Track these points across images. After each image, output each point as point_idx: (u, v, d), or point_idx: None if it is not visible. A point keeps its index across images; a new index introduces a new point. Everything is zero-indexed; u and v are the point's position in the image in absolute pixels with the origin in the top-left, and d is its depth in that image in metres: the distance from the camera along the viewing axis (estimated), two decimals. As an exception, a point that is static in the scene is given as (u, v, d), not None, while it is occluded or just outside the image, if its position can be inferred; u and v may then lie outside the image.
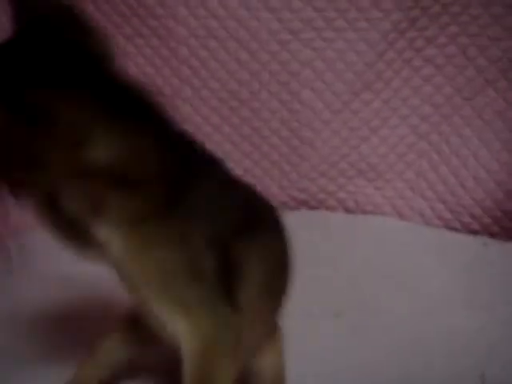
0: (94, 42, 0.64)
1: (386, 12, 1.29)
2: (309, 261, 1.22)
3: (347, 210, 1.46)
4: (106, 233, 0.64)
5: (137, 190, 0.63)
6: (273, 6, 1.29)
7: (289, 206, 1.46)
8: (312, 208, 1.46)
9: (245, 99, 1.36)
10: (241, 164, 1.42)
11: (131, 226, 0.63)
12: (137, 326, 0.78)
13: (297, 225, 1.35)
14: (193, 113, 1.38)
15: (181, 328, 0.64)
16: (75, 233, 0.65)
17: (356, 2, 1.28)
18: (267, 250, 0.72)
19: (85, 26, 0.64)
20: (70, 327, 0.98)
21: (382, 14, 1.29)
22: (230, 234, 0.67)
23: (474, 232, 1.38)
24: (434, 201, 1.41)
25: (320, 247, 1.31)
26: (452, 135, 1.38)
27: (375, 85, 1.35)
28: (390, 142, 1.40)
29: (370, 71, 1.34)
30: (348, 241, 1.35)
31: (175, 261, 0.63)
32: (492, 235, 1.36)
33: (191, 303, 0.63)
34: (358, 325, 1.06)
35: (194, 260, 0.63)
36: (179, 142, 0.69)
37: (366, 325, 1.06)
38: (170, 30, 1.32)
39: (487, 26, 1.29)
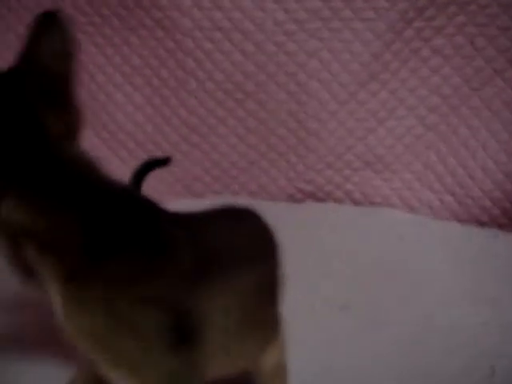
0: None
1: (393, 1, 1.27)
2: (316, 253, 1.23)
3: (355, 202, 1.45)
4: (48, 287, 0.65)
5: (57, 256, 0.63)
6: (279, -4, 1.28)
7: (296, 198, 1.45)
8: (319, 200, 1.45)
9: (250, 91, 1.35)
10: (247, 156, 1.41)
11: (62, 285, 0.63)
12: None
13: (304, 217, 1.39)
14: (198, 105, 1.37)
15: None
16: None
17: (363, -10, 1.27)
18: (231, 287, 0.69)
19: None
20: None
21: (389, 4, 1.28)
22: (175, 286, 0.65)
23: (483, 224, 1.37)
24: (443, 192, 1.40)
25: (327, 239, 1.30)
26: (460, 126, 1.36)
27: (382, 75, 1.34)
28: (397, 133, 1.39)
29: (376, 62, 1.32)
30: (355, 233, 1.33)
31: (102, 326, 0.62)
32: (501, 227, 1.35)
33: (138, 369, 0.63)
34: (365, 318, 1.05)
35: (122, 325, 0.62)
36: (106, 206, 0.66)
37: (372, 318, 1.05)
38: (174, 22, 1.31)
39: (495, 16, 1.27)
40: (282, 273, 0.79)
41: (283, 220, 1.28)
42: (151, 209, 0.70)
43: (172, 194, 1.39)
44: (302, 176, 1.43)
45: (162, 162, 1.05)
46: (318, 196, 1.45)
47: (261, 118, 1.38)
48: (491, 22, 1.28)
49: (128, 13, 1.31)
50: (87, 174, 0.66)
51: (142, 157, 1.21)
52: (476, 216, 1.38)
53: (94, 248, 0.63)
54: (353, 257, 1.23)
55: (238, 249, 0.73)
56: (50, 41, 0.66)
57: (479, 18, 1.28)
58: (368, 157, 1.41)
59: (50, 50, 0.66)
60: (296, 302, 1.01)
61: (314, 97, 1.35)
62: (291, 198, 1.45)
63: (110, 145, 1.39)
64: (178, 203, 1.30)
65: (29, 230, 0.63)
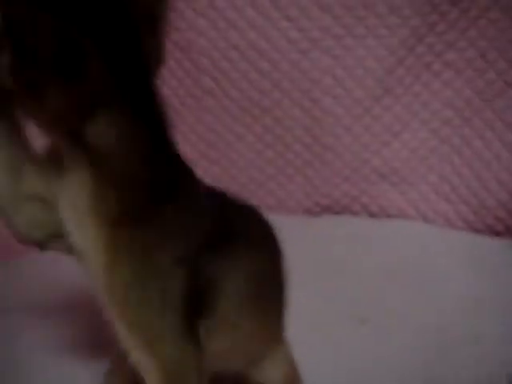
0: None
1: (405, 18, 1.30)
2: (334, 266, 1.25)
3: (371, 215, 1.47)
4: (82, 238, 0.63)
5: (121, 189, 0.61)
6: (291, 15, 1.31)
7: (313, 211, 1.47)
8: (336, 213, 1.47)
9: (266, 108, 1.38)
10: (264, 171, 1.44)
11: (110, 228, 0.61)
12: None
13: (321, 230, 1.41)
14: (215, 122, 1.40)
15: (144, 361, 0.63)
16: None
17: (374, 8, 1.30)
18: (248, 266, 0.70)
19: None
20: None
21: (401, 20, 1.30)
22: (202, 251, 0.65)
23: (499, 234, 1.38)
24: (458, 203, 1.42)
25: (344, 252, 1.32)
26: (473, 138, 1.38)
27: (396, 90, 1.36)
28: (411, 146, 1.41)
29: (390, 77, 1.35)
30: (373, 245, 1.35)
31: (141, 276, 0.61)
32: (516, 237, 1.37)
33: (154, 339, 0.62)
34: (382, 329, 1.07)
35: (159, 281, 0.62)
36: (169, 153, 0.66)
37: (390, 329, 1.07)
38: (191, 42, 1.34)
39: (506, 29, 1.30)
40: (287, 280, 0.79)
41: (300, 233, 1.32)
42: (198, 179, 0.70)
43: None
44: (318, 190, 1.45)
45: None
46: (334, 209, 1.48)
47: (277, 133, 1.41)
48: (502, 35, 1.30)
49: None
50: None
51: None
52: (491, 226, 1.40)
53: (156, 196, 0.62)
54: (371, 269, 1.25)
55: (254, 238, 0.74)
56: None
57: (490, 32, 1.31)
58: (384, 170, 1.43)
59: None
60: (316, 316, 1.04)
61: (329, 112, 1.38)
62: (308, 212, 1.47)
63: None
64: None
65: (104, 156, 0.60)
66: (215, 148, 1.42)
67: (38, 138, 0.65)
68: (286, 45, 1.33)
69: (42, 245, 0.69)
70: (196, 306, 0.64)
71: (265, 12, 1.31)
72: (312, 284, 1.14)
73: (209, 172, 1.43)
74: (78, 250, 0.64)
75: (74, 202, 0.62)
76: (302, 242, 1.25)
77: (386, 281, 1.21)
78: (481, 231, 1.40)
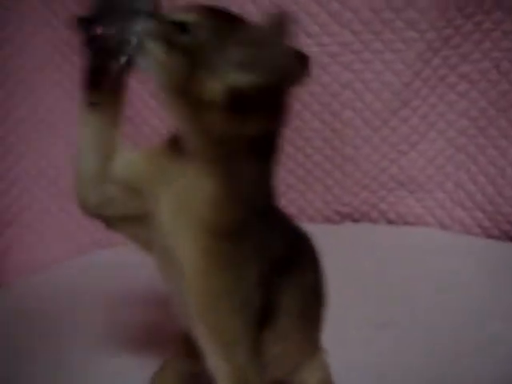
0: None
1: (421, 32, 1.35)
2: (353, 273, 1.30)
3: (389, 222, 1.52)
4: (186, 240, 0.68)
5: (236, 203, 0.68)
6: (312, 32, 1.36)
7: (333, 219, 1.52)
8: (355, 221, 1.52)
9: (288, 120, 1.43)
10: (285, 181, 1.49)
11: (210, 236, 0.67)
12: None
13: (341, 237, 1.45)
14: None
15: (219, 365, 0.69)
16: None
17: (391, 23, 1.35)
18: (302, 282, 0.77)
19: None
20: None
21: (417, 35, 1.35)
22: (273, 270, 0.71)
23: (514, 239, 1.43)
24: (474, 210, 1.47)
25: (364, 259, 1.36)
26: (488, 146, 1.43)
27: (412, 102, 1.41)
28: (428, 155, 1.46)
29: (406, 89, 1.40)
30: (392, 252, 1.40)
31: (231, 287, 0.68)
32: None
33: (232, 345, 0.68)
34: (402, 336, 1.11)
35: (245, 294, 0.68)
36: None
37: (410, 335, 1.11)
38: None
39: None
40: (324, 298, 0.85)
41: (321, 241, 1.37)
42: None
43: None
44: (338, 198, 1.50)
45: None
46: (354, 217, 1.53)
47: (298, 145, 1.46)
48: (515, 47, 1.35)
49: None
50: None
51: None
52: (506, 232, 1.44)
53: (255, 214, 0.69)
54: (389, 275, 1.29)
55: (306, 252, 0.81)
56: None
57: (504, 44, 1.35)
58: (401, 178, 1.48)
59: None
60: (337, 321, 1.08)
61: (349, 124, 1.43)
62: (328, 220, 1.52)
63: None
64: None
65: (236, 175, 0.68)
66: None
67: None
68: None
69: (109, 223, 0.75)
70: (262, 320, 0.70)
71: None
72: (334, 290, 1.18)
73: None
74: (170, 249, 0.69)
75: (185, 204, 0.68)
76: (322, 250, 1.29)
77: (404, 286, 1.25)
78: (496, 237, 1.44)
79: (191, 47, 0.66)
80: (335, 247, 1.38)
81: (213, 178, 0.67)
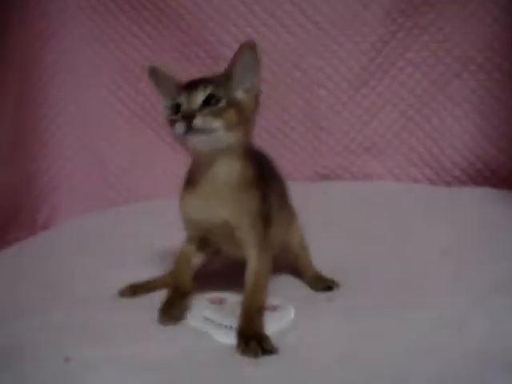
0: None
1: (373, 28, 1.80)
2: (332, 220, 1.63)
3: (358, 180, 1.93)
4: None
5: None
6: (293, 30, 1.81)
7: (314, 179, 1.93)
8: (331, 179, 1.93)
9: (276, 99, 1.87)
10: (276, 149, 1.89)
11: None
12: (205, 242, 1.20)
13: (321, 193, 1.84)
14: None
15: (251, 251, 1.11)
16: None
17: (351, 22, 1.80)
18: (277, 189, 1.22)
19: None
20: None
21: (371, 30, 1.80)
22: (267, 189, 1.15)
23: (450, 184, 1.84)
24: (424, 167, 1.87)
25: (340, 208, 1.72)
26: (432, 116, 1.85)
27: (370, 82, 1.85)
28: (386, 125, 1.88)
29: (365, 72, 1.84)
30: (358, 202, 1.77)
31: (262, 214, 1.12)
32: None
33: (259, 245, 1.11)
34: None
35: (267, 214, 1.13)
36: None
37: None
38: (216, 49, 1.84)
39: (451, 34, 1.78)
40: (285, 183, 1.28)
41: (305, 196, 1.71)
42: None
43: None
44: (317, 162, 1.92)
45: None
46: (330, 177, 1.93)
47: (284, 119, 1.89)
48: (448, 39, 1.78)
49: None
50: None
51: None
52: (449, 183, 1.85)
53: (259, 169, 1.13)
54: (359, 218, 1.64)
55: (272, 170, 1.25)
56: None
57: (439, 36, 1.79)
58: (367, 144, 1.90)
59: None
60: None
61: (324, 101, 1.87)
62: (310, 179, 1.93)
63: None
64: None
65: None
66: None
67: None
68: (288, 50, 1.83)
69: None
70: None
71: (273, 29, 1.82)
72: (313, 232, 1.39)
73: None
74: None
75: (227, 183, 1.10)
76: (306, 202, 1.61)
77: (370, 225, 1.59)
78: (439, 185, 1.85)
79: (227, 107, 1.05)
80: (315, 201, 1.78)
81: (240, 161, 1.09)
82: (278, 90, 1.86)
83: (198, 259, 1.20)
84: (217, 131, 1.03)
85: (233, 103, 1.05)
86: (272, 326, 1.07)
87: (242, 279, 1.11)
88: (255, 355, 0.98)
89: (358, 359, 0.96)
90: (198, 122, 1.02)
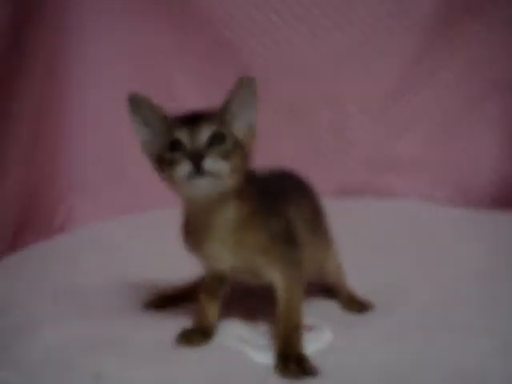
0: None
1: (407, 45, 1.78)
2: (356, 236, 1.57)
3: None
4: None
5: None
6: (324, 38, 1.80)
7: (337, 195, 1.90)
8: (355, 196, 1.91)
9: (304, 109, 1.86)
10: (299, 161, 1.82)
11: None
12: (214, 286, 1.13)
13: (345, 210, 1.81)
14: (264, 120, 1.84)
15: (276, 277, 1.04)
16: None
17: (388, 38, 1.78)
18: (302, 208, 1.14)
19: None
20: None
21: (406, 45, 1.78)
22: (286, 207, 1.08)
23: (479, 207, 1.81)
24: (449, 188, 1.86)
25: (362, 227, 1.69)
26: (461, 136, 1.84)
27: (401, 99, 1.85)
28: (414, 143, 1.87)
29: (398, 87, 1.83)
30: (385, 220, 1.74)
31: (277, 232, 1.03)
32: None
33: (283, 264, 1.04)
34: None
35: (285, 231, 1.05)
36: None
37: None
38: (249, 60, 1.81)
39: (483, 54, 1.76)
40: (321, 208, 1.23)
41: (329, 212, 1.70)
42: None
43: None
44: (340, 177, 1.90)
45: None
46: (353, 193, 1.91)
47: (311, 130, 1.87)
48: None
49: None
50: None
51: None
52: (474, 204, 1.82)
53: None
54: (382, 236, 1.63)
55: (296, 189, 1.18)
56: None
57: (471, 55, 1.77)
58: (392, 161, 1.88)
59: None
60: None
61: (352, 115, 1.85)
62: (333, 196, 1.87)
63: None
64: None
65: None
66: (264, 140, 1.86)
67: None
68: (318, 60, 1.81)
69: None
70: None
71: (304, 36, 1.80)
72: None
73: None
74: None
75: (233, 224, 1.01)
76: (330, 219, 1.56)
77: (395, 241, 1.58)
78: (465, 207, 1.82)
79: (233, 148, 0.95)
80: (340, 217, 1.74)
81: (236, 200, 1.00)
82: (307, 101, 1.83)
83: (221, 293, 1.13)
84: (224, 174, 0.94)
85: (237, 143, 0.96)
86: (310, 346, 1.03)
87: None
88: (295, 376, 0.94)
89: (405, 381, 0.93)
90: (209, 163, 0.92)
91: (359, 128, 1.86)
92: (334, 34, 1.80)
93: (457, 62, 1.78)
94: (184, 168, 0.92)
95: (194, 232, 1.03)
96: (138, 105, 1.00)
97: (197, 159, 0.92)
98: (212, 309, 1.11)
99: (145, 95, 1.00)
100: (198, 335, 1.08)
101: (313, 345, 1.05)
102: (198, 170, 0.92)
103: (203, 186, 0.93)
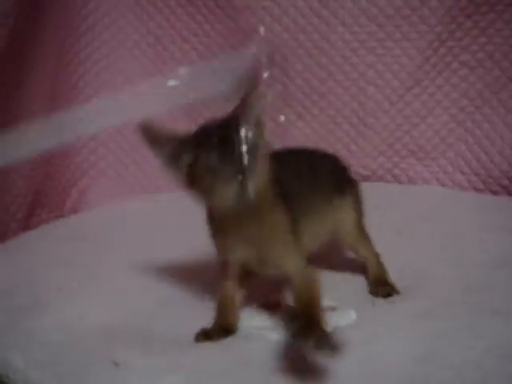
0: None
1: (431, 26, 1.72)
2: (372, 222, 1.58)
3: (400, 183, 1.86)
4: None
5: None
6: (346, 22, 1.74)
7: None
8: (372, 182, 1.86)
9: (323, 93, 1.80)
10: (318, 145, 1.81)
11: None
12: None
13: (364, 195, 1.78)
14: (282, 104, 1.82)
15: (291, 269, 1.01)
16: None
17: (408, 18, 1.72)
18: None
19: None
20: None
21: (428, 28, 1.73)
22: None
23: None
24: (470, 174, 1.81)
25: (378, 214, 1.62)
26: (483, 122, 1.78)
27: (423, 82, 1.78)
28: (435, 128, 1.81)
29: (419, 71, 1.77)
30: (399, 206, 1.70)
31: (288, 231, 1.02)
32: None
33: (295, 257, 1.02)
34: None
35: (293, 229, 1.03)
36: None
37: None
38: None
39: (508, 37, 1.71)
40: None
41: None
42: None
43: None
44: (359, 162, 1.85)
45: None
46: (371, 179, 1.87)
47: (330, 114, 1.82)
48: (505, 41, 1.71)
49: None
50: None
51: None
52: (496, 192, 1.78)
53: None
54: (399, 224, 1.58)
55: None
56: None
57: (496, 39, 1.72)
58: (412, 146, 1.83)
59: None
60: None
61: (372, 98, 1.80)
62: (351, 181, 1.86)
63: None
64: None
65: None
66: (281, 125, 1.84)
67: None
68: (341, 44, 1.75)
69: None
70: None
71: (326, 19, 1.74)
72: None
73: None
74: None
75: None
76: None
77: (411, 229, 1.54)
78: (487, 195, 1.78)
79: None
80: None
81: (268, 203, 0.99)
82: (326, 84, 1.79)
83: (240, 295, 1.10)
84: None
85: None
86: (333, 323, 1.03)
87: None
88: (317, 348, 0.89)
89: (438, 358, 0.91)
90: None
91: (379, 113, 1.81)
92: (355, 15, 1.75)
93: (482, 44, 1.73)
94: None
95: (220, 226, 1.02)
96: (149, 133, 0.98)
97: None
98: (232, 314, 1.09)
99: (154, 123, 0.99)
100: (218, 332, 1.05)
101: (336, 322, 1.04)
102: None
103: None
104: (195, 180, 0.95)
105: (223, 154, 0.92)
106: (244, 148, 0.92)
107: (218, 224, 1.02)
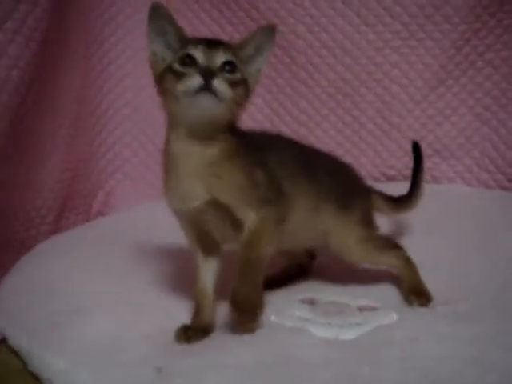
0: None
1: (455, 25, 1.72)
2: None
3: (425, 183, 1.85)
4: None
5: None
6: (370, 22, 1.74)
7: (380, 180, 1.86)
8: (398, 181, 1.86)
9: (347, 94, 1.80)
10: (343, 146, 1.84)
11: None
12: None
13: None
14: (307, 106, 1.82)
15: (250, 216, 1.02)
16: None
17: (432, 17, 1.72)
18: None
19: None
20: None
21: (452, 27, 1.72)
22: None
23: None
24: (496, 173, 1.80)
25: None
26: (508, 120, 1.77)
27: (447, 81, 1.78)
28: (459, 127, 1.81)
29: (443, 71, 1.76)
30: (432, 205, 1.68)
31: (258, 179, 1.03)
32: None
33: (259, 205, 1.02)
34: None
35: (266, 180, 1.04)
36: None
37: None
38: (290, 43, 1.77)
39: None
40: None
41: None
42: None
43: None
44: (385, 162, 1.85)
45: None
46: (397, 179, 1.86)
47: (354, 115, 1.82)
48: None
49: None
50: None
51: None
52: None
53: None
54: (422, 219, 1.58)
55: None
56: None
57: (520, 38, 1.72)
58: (437, 146, 1.83)
59: None
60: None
61: (396, 98, 1.79)
62: (376, 180, 1.86)
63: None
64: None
65: None
66: (306, 126, 1.84)
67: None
68: (365, 44, 1.75)
69: None
70: None
71: (349, 19, 1.74)
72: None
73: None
74: None
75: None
76: None
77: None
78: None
79: (240, 81, 0.99)
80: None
81: (227, 136, 1.02)
82: (351, 84, 1.79)
83: (212, 266, 1.11)
84: (226, 103, 0.96)
85: (244, 79, 1.00)
86: (375, 322, 1.03)
87: (332, 280, 1.10)
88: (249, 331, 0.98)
89: (487, 360, 0.90)
90: (218, 84, 0.95)
91: (404, 113, 1.80)
92: (378, 15, 1.75)
93: (505, 42, 1.73)
94: (194, 82, 0.95)
95: (173, 167, 1.02)
96: (158, 14, 1.02)
97: (208, 76, 0.95)
98: (207, 308, 1.09)
99: (167, 8, 1.03)
100: (197, 333, 1.05)
101: (378, 321, 1.04)
102: (207, 86, 0.94)
103: (206, 104, 0.95)
104: (172, 71, 0.98)
105: (205, 52, 0.97)
106: (223, 58, 0.97)
107: (174, 159, 1.02)
